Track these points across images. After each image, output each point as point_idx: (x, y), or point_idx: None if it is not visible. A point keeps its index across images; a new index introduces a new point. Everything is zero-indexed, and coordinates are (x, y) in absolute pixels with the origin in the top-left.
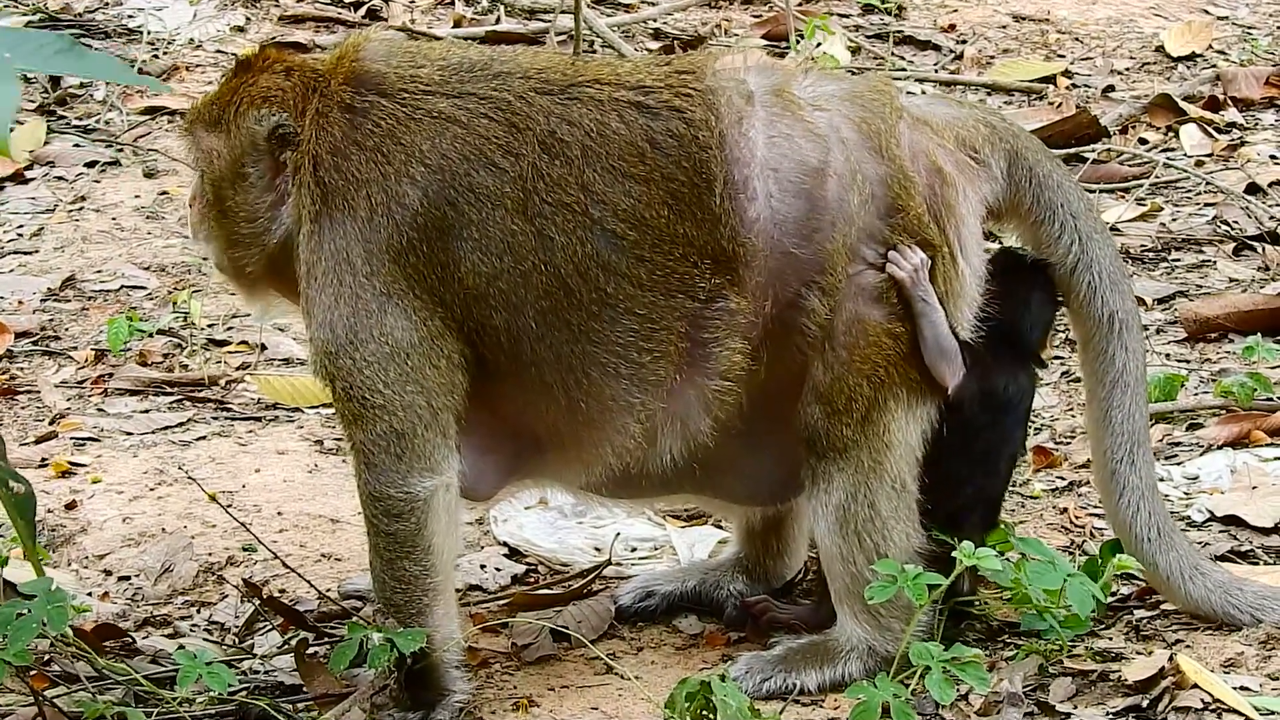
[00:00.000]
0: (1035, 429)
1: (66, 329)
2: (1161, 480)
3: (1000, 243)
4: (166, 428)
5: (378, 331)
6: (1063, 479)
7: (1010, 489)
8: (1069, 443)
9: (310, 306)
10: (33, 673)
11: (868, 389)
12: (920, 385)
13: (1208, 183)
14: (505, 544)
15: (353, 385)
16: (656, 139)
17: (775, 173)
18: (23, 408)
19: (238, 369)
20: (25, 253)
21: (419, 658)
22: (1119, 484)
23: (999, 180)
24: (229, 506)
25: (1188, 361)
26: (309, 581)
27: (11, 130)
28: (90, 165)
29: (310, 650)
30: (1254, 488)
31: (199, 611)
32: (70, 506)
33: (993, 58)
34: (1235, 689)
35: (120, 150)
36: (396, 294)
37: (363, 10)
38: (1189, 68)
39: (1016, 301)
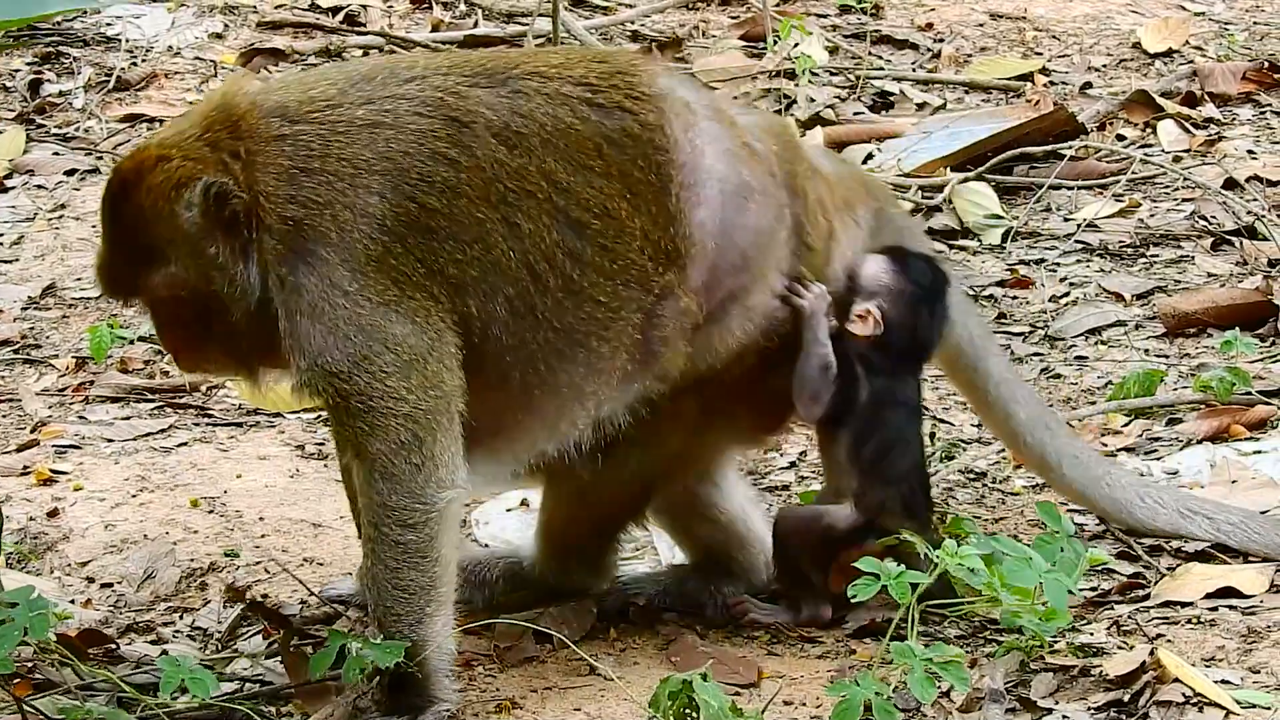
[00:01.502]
0: None
1: (47, 337)
2: (1141, 475)
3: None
4: (148, 434)
5: (389, 342)
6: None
7: (990, 486)
8: None
9: (301, 343)
10: (16, 680)
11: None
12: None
13: (1185, 178)
14: (487, 545)
15: (373, 397)
16: (611, 136)
17: (721, 183)
18: (4, 415)
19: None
20: (5, 261)
21: (413, 665)
22: (1056, 457)
23: (865, 235)
24: (210, 512)
25: (1166, 357)
26: (300, 580)
27: None
28: (70, 173)
29: (293, 646)
30: (1233, 482)
31: (181, 617)
32: (52, 514)
33: (970, 56)
34: (1216, 682)
35: (100, 158)
36: (392, 300)
37: (340, 16)
38: (1166, 64)
39: (918, 307)
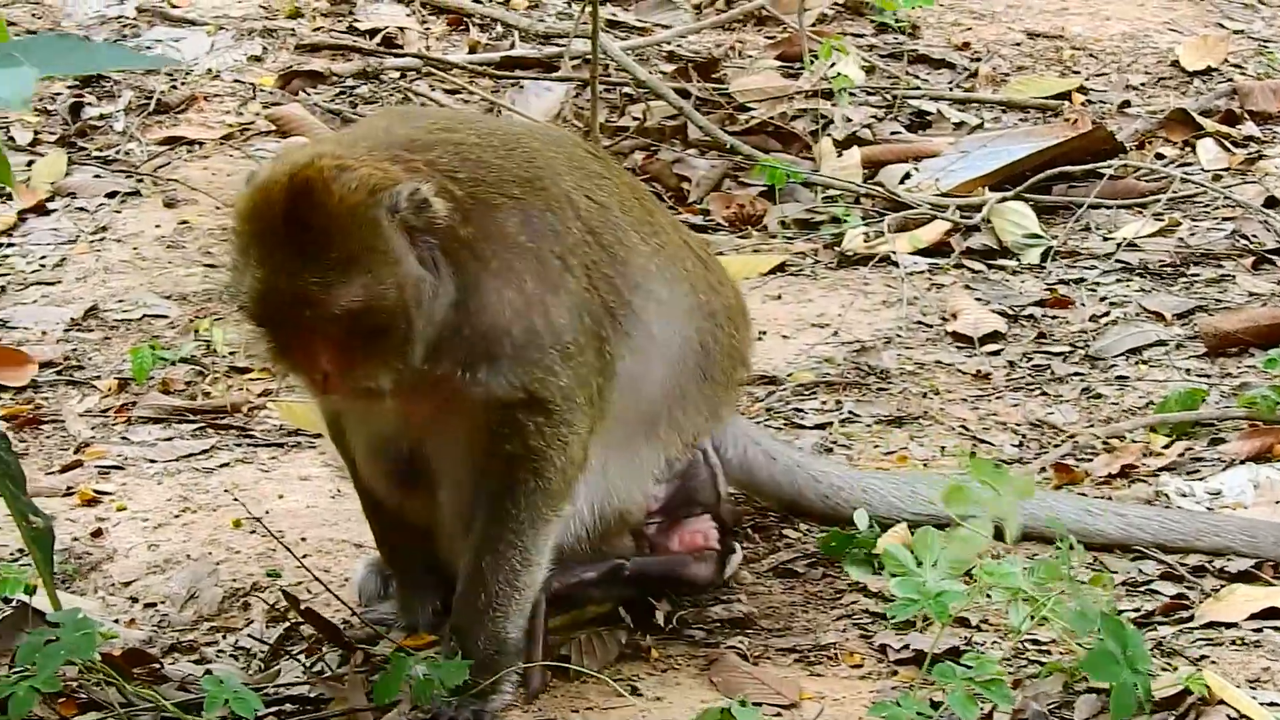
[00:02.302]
0: (1055, 444)
1: (90, 358)
2: (1184, 495)
3: None
4: (190, 455)
5: (570, 359)
6: (1084, 494)
7: None
8: (1091, 459)
9: (487, 353)
10: (62, 699)
11: None
12: None
13: (1225, 197)
14: None
15: (549, 410)
16: None
17: None
18: (47, 437)
19: (260, 396)
20: (48, 283)
21: (499, 656)
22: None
23: None
24: (252, 533)
25: (1208, 376)
26: (343, 601)
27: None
28: (111, 196)
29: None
30: (1277, 502)
31: (225, 637)
32: (96, 534)
33: (1007, 75)
34: (1263, 705)
35: (140, 180)
36: (573, 320)
37: (377, 38)
38: (1205, 82)
39: None
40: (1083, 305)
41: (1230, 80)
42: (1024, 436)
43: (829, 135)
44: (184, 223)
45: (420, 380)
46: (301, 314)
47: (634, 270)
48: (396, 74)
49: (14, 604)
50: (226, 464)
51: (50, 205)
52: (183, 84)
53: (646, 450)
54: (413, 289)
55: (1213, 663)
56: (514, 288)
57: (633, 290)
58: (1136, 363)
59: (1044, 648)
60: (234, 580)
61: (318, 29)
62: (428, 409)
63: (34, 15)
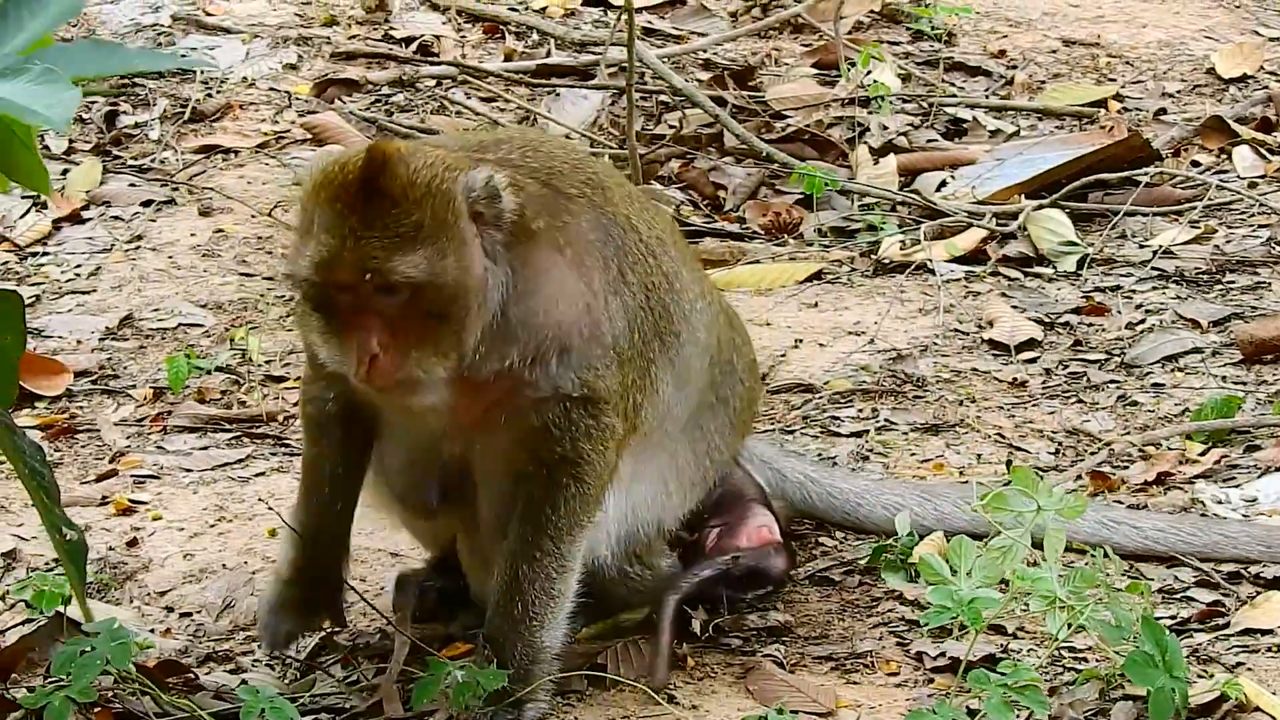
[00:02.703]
0: (1092, 452)
1: (125, 367)
2: (1219, 503)
3: None
4: (225, 464)
5: (618, 361)
6: (1120, 503)
7: None
8: (1127, 466)
9: (563, 338)
10: (97, 709)
11: None
12: None
13: (1261, 204)
14: None
15: (588, 411)
16: None
17: None
18: (83, 446)
19: (295, 405)
20: (83, 292)
21: (534, 665)
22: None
23: None
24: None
25: (1244, 384)
26: (379, 610)
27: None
28: (146, 204)
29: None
30: None
31: (260, 647)
32: (131, 544)
33: (1044, 82)
34: None
35: (175, 189)
36: (622, 324)
37: (413, 46)
38: (1241, 89)
39: None
40: (1119, 313)
41: (1266, 87)
42: (1060, 444)
43: (865, 143)
44: (219, 231)
45: (473, 376)
46: (361, 281)
47: (684, 304)
48: (432, 82)
49: (49, 614)
50: (262, 473)
51: (85, 214)
52: (218, 92)
53: (677, 470)
54: (476, 275)
55: (1249, 669)
56: (585, 282)
57: (683, 321)
58: (1172, 370)
59: (1080, 655)
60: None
61: (353, 37)
62: (478, 410)
63: (69, 24)
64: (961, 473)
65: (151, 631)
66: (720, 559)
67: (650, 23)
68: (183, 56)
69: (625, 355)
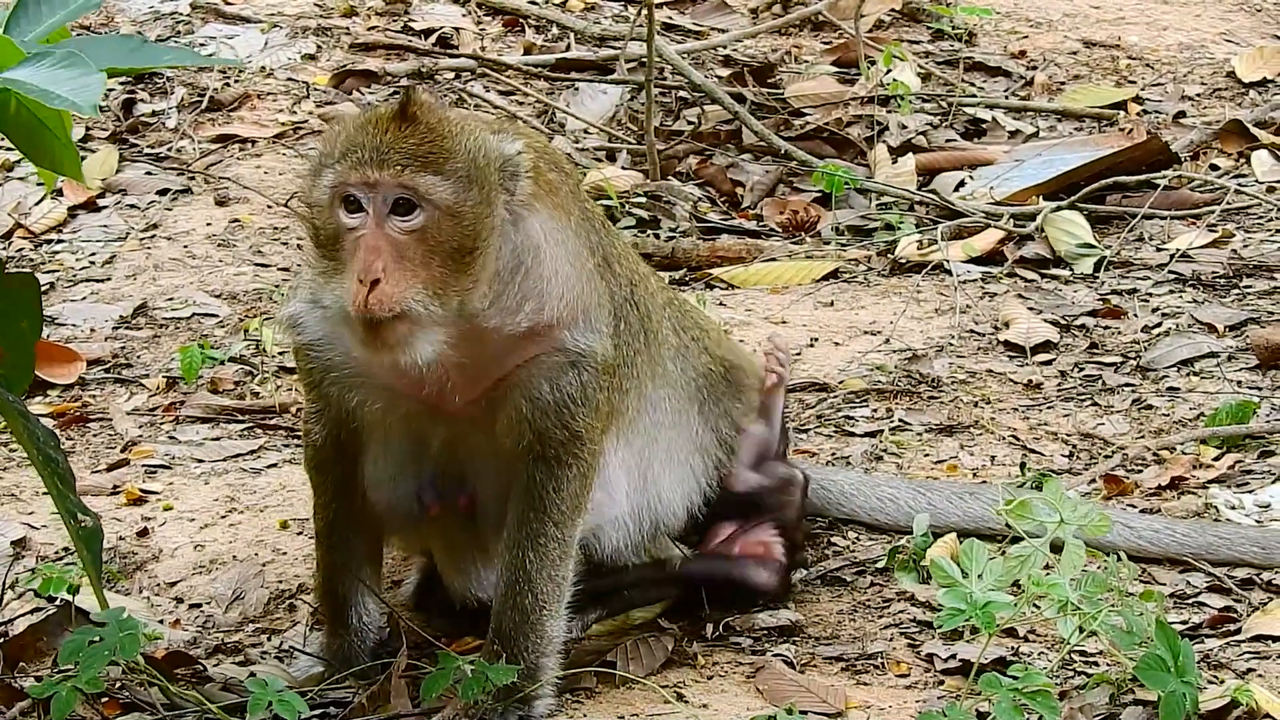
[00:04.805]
0: (1106, 455)
1: (138, 356)
2: (1233, 508)
3: None
4: (238, 455)
5: (607, 330)
6: (1133, 506)
7: None
8: (1141, 470)
9: (572, 300)
10: (105, 700)
11: None
12: None
13: (1279, 209)
14: None
15: (585, 382)
16: None
17: None
18: (95, 435)
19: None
20: (97, 280)
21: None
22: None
23: None
24: (299, 534)
25: (1259, 389)
26: (386, 604)
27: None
28: (162, 193)
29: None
30: None
31: (269, 639)
32: (142, 534)
33: (1063, 84)
34: None
35: (192, 178)
36: (607, 291)
37: (433, 38)
38: (1260, 93)
39: None
40: (1135, 316)
41: None
42: (1074, 447)
43: (884, 142)
44: (235, 221)
45: (477, 337)
46: (385, 182)
47: (656, 306)
48: (451, 74)
49: (58, 603)
50: (274, 464)
51: (101, 202)
52: (235, 82)
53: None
54: (494, 222)
55: (1259, 676)
56: (584, 259)
57: (656, 321)
58: (1188, 374)
59: (1091, 659)
60: (280, 582)
61: (372, 28)
62: (477, 389)
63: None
64: (975, 474)
65: (160, 622)
66: (654, 561)
67: (670, 18)
68: (202, 49)
69: (617, 335)
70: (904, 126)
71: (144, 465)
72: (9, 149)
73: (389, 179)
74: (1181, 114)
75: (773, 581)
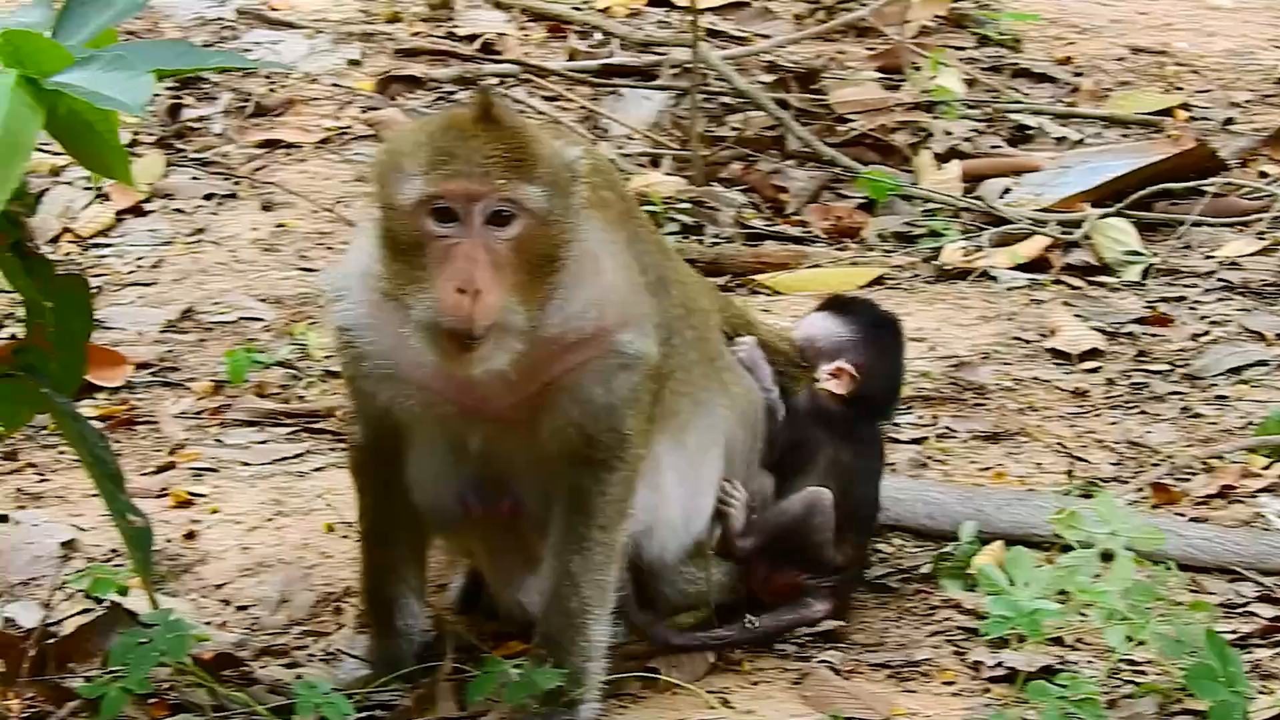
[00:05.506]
0: (1154, 464)
1: (185, 360)
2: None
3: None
4: (283, 459)
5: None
6: (1182, 515)
7: None
8: (1189, 479)
9: (635, 312)
10: (152, 700)
11: None
12: None
13: None
14: None
15: (633, 381)
16: None
17: None
18: (142, 438)
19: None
20: (144, 284)
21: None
22: None
23: None
24: (345, 537)
25: None
26: (432, 605)
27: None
28: (208, 198)
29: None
30: None
31: (316, 641)
32: (189, 536)
33: (1110, 90)
34: None
35: (238, 183)
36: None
37: (476, 44)
38: None
39: (885, 351)
40: (1183, 323)
41: None
42: (1122, 455)
43: (929, 148)
44: (281, 226)
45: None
46: (483, 195)
47: (715, 345)
48: (495, 80)
49: (107, 604)
50: (320, 468)
51: (148, 206)
52: (281, 87)
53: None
54: (575, 225)
55: None
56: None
57: (718, 346)
58: (1236, 382)
59: (1139, 668)
60: (326, 585)
61: (416, 34)
62: (532, 386)
63: (134, 16)
64: (1022, 481)
65: (208, 624)
66: (734, 627)
67: (714, 24)
68: (255, 60)
69: (668, 344)
70: (949, 133)
71: (191, 468)
72: (57, 153)
73: (490, 190)
74: (1230, 120)
75: (824, 609)
